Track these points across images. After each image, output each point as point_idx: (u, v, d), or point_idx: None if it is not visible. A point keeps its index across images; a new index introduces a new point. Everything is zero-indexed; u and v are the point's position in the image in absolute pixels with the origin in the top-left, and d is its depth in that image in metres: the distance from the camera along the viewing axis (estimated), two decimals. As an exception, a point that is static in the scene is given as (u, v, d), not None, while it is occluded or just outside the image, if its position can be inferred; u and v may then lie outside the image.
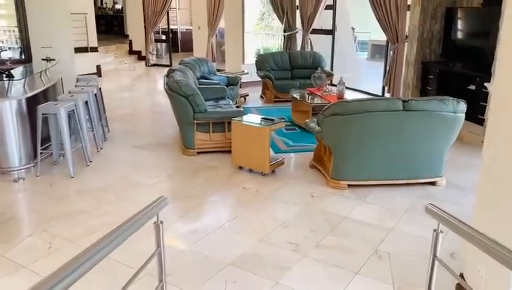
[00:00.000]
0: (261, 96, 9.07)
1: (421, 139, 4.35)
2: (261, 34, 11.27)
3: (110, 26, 18.26)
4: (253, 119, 5.05)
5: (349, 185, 4.49)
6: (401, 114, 4.22)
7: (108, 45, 13.93)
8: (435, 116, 4.26)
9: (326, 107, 4.38)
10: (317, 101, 6.75)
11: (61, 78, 6.55)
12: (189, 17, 14.75)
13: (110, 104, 8.62)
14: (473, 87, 6.50)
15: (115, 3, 18.87)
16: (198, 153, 5.52)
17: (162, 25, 14.18)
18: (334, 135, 4.39)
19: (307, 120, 5.06)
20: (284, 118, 7.36)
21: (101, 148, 5.73)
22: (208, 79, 7.67)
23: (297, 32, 10.74)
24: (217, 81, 7.51)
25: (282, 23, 10.69)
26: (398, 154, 4.39)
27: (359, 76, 12.29)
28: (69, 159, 4.82)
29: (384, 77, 8.77)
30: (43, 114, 4.76)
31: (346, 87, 7.73)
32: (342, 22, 11.44)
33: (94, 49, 11.55)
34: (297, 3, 10.46)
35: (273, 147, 5.77)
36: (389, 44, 8.57)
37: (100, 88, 6.52)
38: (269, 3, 10.60)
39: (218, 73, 8.51)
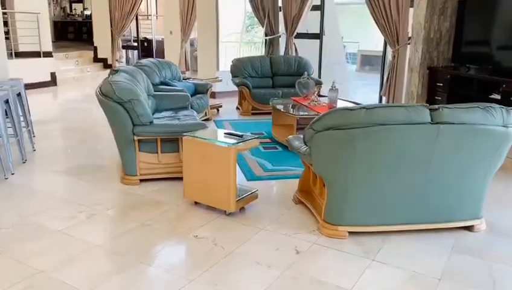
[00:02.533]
0: (237, 108, 7.66)
1: (456, 164, 2.96)
2: (239, 42, 9.90)
3: (79, 33, 16.89)
4: (213, 135, 3.61)
5: (350, 233, 3.06)
6: (428, 128, 2.83)
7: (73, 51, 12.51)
8: (477, 132, 2.88)
9: (317, 118, 2.97)
10: (303, 112, 5.36)
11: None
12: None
13: (54, 116, 7.16)
14: (497, 96, 5.19)
15: (84, 9, 17.47)
16: (142, 181, 4.04)
17: (134, 33, 12.95)
18: (329, 159, 2.97)
19: (290, 136, 3.63)
20: (262, 133, 6.04)
21: (12, 173, 4.21)
22: (169, 86, 6.23)
23: (279, 36, 9.43)
24: (180, 88, 6.08)
25: (263, 27, 9.36)
26: (423, 186, 2.99)
27: (349, 87, 11.02)
28: None
29: (381, 86, 7.47)
30: None
31: (325, 96, 6.42)
32: (330, 25, 10.18)
33: (48, 54, 10.03)
34: (280, 3, 9.16)
35: (245, 172, 4.33)
36: (387, 47, 7.28)
37: (20, 92, 5.05)
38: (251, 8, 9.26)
39: (185, 80, 7.08)
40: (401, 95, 6.85)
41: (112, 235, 3.11)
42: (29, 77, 9.24)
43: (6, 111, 4.36)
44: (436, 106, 2.89)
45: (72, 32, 17.43)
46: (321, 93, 7.49)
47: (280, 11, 9.23)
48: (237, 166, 3.37)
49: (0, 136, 4.14)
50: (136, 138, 3.90)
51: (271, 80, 7.73)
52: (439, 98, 6.13)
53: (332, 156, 2.93)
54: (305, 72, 6.52)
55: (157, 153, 4.02)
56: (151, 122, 3.95)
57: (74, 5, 18.40)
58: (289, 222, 3.32)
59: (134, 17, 12.23)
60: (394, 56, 6.87)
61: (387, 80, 7.04)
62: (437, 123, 2.83)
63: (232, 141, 3.32)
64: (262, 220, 3.33)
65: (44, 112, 7.34)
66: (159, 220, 3.33)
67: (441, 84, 6.11)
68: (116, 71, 4.78)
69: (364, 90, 11.63)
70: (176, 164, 4.03)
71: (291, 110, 5.45)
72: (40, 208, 3.50)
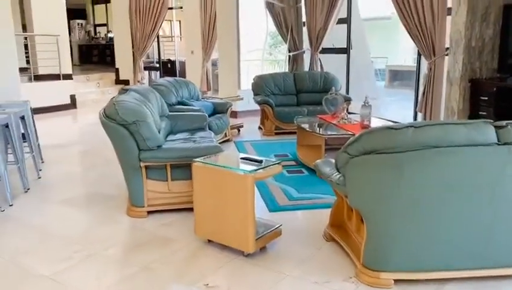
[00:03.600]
0: (260, 128, 7.17)
1: (530, 196, 2.35)
2: (261, 60, 9.45)
3: (103, 56, 16.93)
4: (228, 160, 3.11)
5: (397, 281, 2.47)
6: (494, 151, 2.25)
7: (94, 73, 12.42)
8: (558, 155, 2.28)
9: (352, 139, 2.42)
10: (332, 132, 4.82)
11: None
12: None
13: (69, 139, 6.85)
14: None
15: (108, 32, 17.56)
16: (151, 212, 3.56)
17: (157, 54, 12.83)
18: (369, 190, 2.41)
19: (318, 161, 3.09)
20: (286, 155, 5.51)
21: (10, 205, 3.81)
22: (187, 105, 5.81)
23: (303, 52, 8.97)
24: (198, 108, 5.64)
25: (286, 43, 8.93)
26: (487, 223, 2.38)
27: (379, 104, 10.40)
28: None
29: (416, 101, 6.85)
30: None
31: (355, 113, 5.87)
32: (357, 39, 9.65)
33: (68, 77, 9.86)
34: (303, 18, 8.73)
35: (267, 201, 3.79)
36: (421, 59, 6.70)
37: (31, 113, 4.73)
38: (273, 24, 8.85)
39: (204, 99, 6.66)
40: (439, 111, 6.22)
41: (107, 283, 2.61)
42: (48, 99, 9.12)
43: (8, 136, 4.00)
44: (503, 123, 2.31)
45: (96, 55, 17.52)
46: (350, 110, 6.94)
47: (304, 26, 8.80)
48: (258, 194, 2.86)
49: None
50: (142, 164, 3.44)
51: (295, 98, 7.23)
52: (484, 113, 5.46)
53: (372, 186, 2.37)
54: (333, 88, 5.98)
55: (166, 180, 3.55)
56: (159, 147, 3.48)
57: (98, 28, 18.58)
58: (319, 265, 2.74)
59: (156, 38, 12.06)
60: (430, 68, 6.27)
61: (423, 95, 6.43)
62: (506, 144, 2.24)
63: (249, 167, 2.80)
64: (287, 262, 2.77)
65: (59, 135, 7.06)
66: (165, 262, 2.82)
67: (486, 98, 5.45)
68: (126, 90, 4.38)
69: (395, 107, 11.00)
70: (189, 192, 3.51)
71: (319, 129, 4.92)
72: (32, 247, 3.06)
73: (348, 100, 6.58)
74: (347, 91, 8.33)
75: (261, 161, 2.88)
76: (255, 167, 2.78)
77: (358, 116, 5.62)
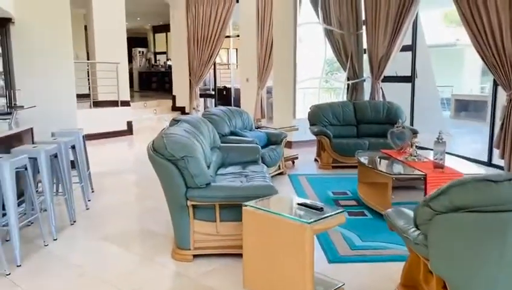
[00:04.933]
0: (316, 160, 6.76)
1: None
2: (317, 88, 9.09)
3: (162, 83, 17.39)
4: (282, 205, 2.74)
5: None
6: None
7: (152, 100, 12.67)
8: None
9: (438, 191, 1.97)
10: (399, 169, 4.32)
11: (32, 129, 4.75)
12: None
13: (121, 167, 6.80)
14: None
15: (167, 59, 18.06)
16: (196, 256, 3.25)
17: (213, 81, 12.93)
18: (459, 256, 1.93)
19: (390, 210, 2.64)
20: (346, 193, 5.04)
21: (54, 239, 3.66)
22: (239, 136, 5.55)
23: (364, 80, 8.52)
24: (251, 139, 5.35)
25: (345, 70, 8.54)
26: None
27: (445, 137, 9.62)
28: (1, 253, 2.78)
29: (491, 136, 6.17)
30: None
31: (425, 148, 5.34)
32: (422, 67, 9.05)
33: (126, 104, 10.03)
34: (364, 45, 8.32)
35: (325, 249, 3.36)
36: (497, 88, 6.05)
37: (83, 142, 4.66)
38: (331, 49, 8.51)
39: (257, 129, 6.38)
40: (521, 148, 5.51)
41: None
42: (106, 125, 9.28)
43: (56, 166, 3.90)
44: None
45: (155, 82, 18.03)
46: (415, 144, 6.37)
47: (364, 53, 8.38)
48: (315, 240, 2.45)
49: (44, 195, 3.63)
50: (189, 203, 3.15)
51: (355, 129, 6.77)
52: None
53: (464, 252, 1.90)
54: (399, 120, 5.48)
55: (215, 221, 3.23)
56: (208, 184, 3.19)
57: (158, 56, 19.18)
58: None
59: (212, 66, 12.12)
60: (510, 100, 5.60)
61: (501, 129, 5.73)
62: None
63: (308, 216, 2.41)
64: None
65: (113, 162, 7.05)
66: (208, 320, 2.47)
67: None
68: (178, 121, 4.18)
69: (464, 140, 10.18)
70: (239, 235, 3.15)
71: (385, 167, 4.43)
72: (66, 287, 2.82)
73: (415, 133, 6.02)
74: (411, 122, 7.74)
75: (321, 209, 2.48)
76: (315, 217, 2.39)
77: (426, 151, 5.09)
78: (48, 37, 6.10)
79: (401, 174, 4.16)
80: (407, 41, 7.71)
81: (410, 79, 7.92)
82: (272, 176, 5.26)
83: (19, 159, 3.37)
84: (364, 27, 8.11)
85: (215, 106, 12.79)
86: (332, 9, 8.22)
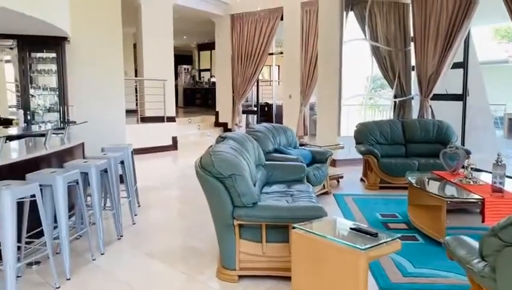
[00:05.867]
0: (362, 180, 6.57)
1: None
2: (362, 105, 8.90)
3: (205, 99, 17.72)
4: (334, 229, 2.63)
5: None
6: None
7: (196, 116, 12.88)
8: None
9: (506, 220, 1.82)
10: (453, 192, 4.09)
11: (83, 144, 4.90)
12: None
13: (167, 182, 6.89)
14: None
15: (211, 76, 18.38)
16: (242, 277, 3.18)
17: (255, 98, 13.00)
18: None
19: (449, 238, 2.47)
20: (395, 216, 4.84)
21: (102, 254, 3.71)
22: (284, 153, 5.48)
23: (412, 98, 8.28)
24: (295, 157, 5.27)
25: (392, 88, 8.33)
26: None
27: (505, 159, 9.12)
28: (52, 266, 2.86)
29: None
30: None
31: (480, 170, 5.06)
32: (474, 85, 8.68)
33: (171, 119, 10.24)
34: (412, 62, 8.10)
35: (376, 276, 3.20)
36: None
37: (132, 157, 4.75)
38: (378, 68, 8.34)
39: (302, 147, 6.30)
40: None
41: None
42: (152, 140, 9.49)
43: (106, 181, 3.99)
44: None
45: (199, 98, 18.39)
46: (466, 165, 6.08)
47: (413, 70, 8.15)
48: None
49: (93, 209, 3.71)
50: (236, 222, 3.10)
51: (404, 148, 6.54)
52: None
53: (541, 289, 1.73)
54: (451, 141, 5.24)
55: (261, 241, 3.16)
56: (255, 204, 3.13)
57: (202, 73, 19.57)
58: None
59: (255, 83, 12.21)
60: None
61: None
62: None
63: (362, 242, 2.30)
64: None
65: (157, 177, 7.16)
66: None
67: None
68: (224, 138, 4.17)
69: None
70: (286, 257, 3.10)
71: (437, 189, 4.22)
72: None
73: (468, 154, 5.73)
74: (462, 142, 7.42)
75: (375, 234, 2.36)
76: (369, 243, 2.27)
77: (479, 173, 4.82)
78: (100, 55, 6.33)
79: (456, 197, 3.94)
80: (458, 57, 7.44)
81: (461, 97, 7.62)
82: (317, 196, 5.14)
83: (71, 173, 3.46)
84: (412, 44, 7.91)
85: (258, 122, 12.84)
86: (379, 26, 8.08)
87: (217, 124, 12.83)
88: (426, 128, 6.57)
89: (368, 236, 2.37)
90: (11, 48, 6.26)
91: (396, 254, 3.52)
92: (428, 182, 4.55)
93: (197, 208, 5.07)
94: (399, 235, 2.47)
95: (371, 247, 2.25)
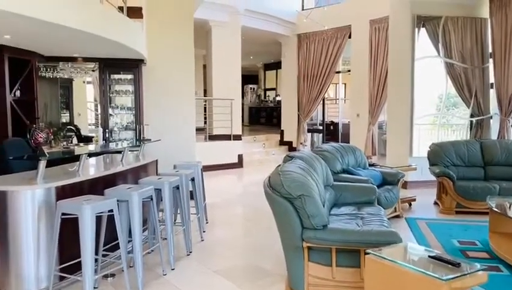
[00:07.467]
0: (436, 203, 6.21)
1: None
2: (435, 125, 8.48)
3: (270, 118, 17.89)
4: (410, 256, 2.49)
5: None
6: None
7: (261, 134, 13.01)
8: None
9: None
10: (543, 221, 3.74)
11: (157, 161, 5.11)
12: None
13: (233, 199, 6.98)
14: None
15: (276, 95, 18.56)
16: (310, 301, 3.10)
17: (321, 117, 12.92)
18: None
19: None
20: (474, 243, 4.51)
21: (172, 269, 3.81)
22: (352, 174, 5.35)
23: (491, 117, 7.77)
24: (365, 178, 5.11)
25: (468, 107, 7.88)
26: None
27: None
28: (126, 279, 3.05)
29: None
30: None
31: None
32: None
33: (237, 138, 10.42)
34: (491, 80, 7.63)
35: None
36: None
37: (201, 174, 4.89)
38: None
39: (371, 167, 6.10)
40: None
41: None
42: (219, 158, 9.70)
43: (177, 198, 4.11)
44: None
45: (264, 117, 18.60)
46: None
47: (491, 88, 7.67)
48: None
49: (164, 225, 3.82)
50: (305, 244, 3.05)
51: (482, 171, 6.12)
52: None
53: None
54: (539, 164, 4.82)
55: (331, 265, 3.07)
56: (325, 226, 3.06)
57: (268, 92, 19.81)
58: None
59: (321, 102, 12.13)
60: None
61: None
62: None
63: (443, 272, 2.15)
64: None
65: (224, 194, 7.27)
66: None
67: None
68: (291, 158, 4.15)
69: None
70: (355, 283, 2.99)
71: (524, 217, 3.88)
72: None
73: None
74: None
75: (457, 264, 2.20)
76: (451, 273, 2.12)
77: None
78: (173, 77, 6.63)
79: (547, 227, 3.59)
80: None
81: (548, 116, 7.03)
82: (388, 219, 4.94)
83: (146, 190, 3.61)
84: (491, 60, 7.46)
85: (323, 141, 12.70)
86: (454, 42, 7.71)
87: (282, 142, 12.85)
88: (508, 149, 6.11)
89: (450, 266, 2.21)
90: (93, 70, 6.74)
91: (480, 287, 3.26)
92: (510, 208, 4.20)
93: (263, 226, 5.07)
94: (485, 266, 2.28)
95: (453, 278, 2.09)
